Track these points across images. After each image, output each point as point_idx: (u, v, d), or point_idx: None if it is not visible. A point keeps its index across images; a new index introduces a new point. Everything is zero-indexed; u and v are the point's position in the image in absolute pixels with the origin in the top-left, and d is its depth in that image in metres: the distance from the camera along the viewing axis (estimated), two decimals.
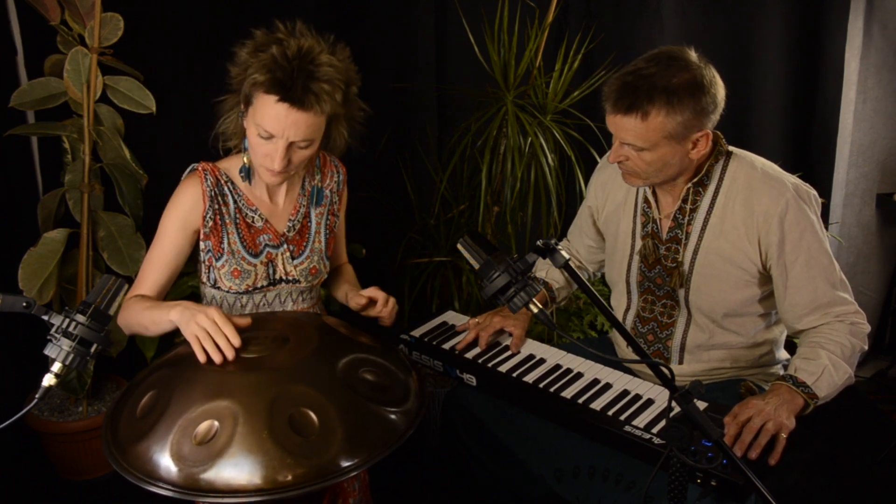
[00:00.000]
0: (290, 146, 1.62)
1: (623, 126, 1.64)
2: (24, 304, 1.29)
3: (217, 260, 1.76)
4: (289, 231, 1.82)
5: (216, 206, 1.74)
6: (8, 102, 2.27)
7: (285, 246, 1.81)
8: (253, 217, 1.78)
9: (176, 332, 2.39)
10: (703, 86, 1.60)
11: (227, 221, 1.75)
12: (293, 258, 1.82)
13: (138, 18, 2.37)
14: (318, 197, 1.86)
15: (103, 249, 2.38)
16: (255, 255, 1.78)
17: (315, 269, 1.85)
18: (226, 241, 1.75)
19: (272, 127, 1.58)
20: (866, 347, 1.71)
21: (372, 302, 1.77)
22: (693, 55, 1.64)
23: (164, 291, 1.76)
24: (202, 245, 1.75)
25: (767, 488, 1.24)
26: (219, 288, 1.79)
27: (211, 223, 1.73)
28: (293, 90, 1.55)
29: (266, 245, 1.80)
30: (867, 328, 1.71)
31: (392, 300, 1.76)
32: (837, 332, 1.68)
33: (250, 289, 1.79)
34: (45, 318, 1.31)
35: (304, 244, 1.84)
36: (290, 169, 1.66)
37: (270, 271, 1.80)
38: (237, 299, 1.82)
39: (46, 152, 2.50)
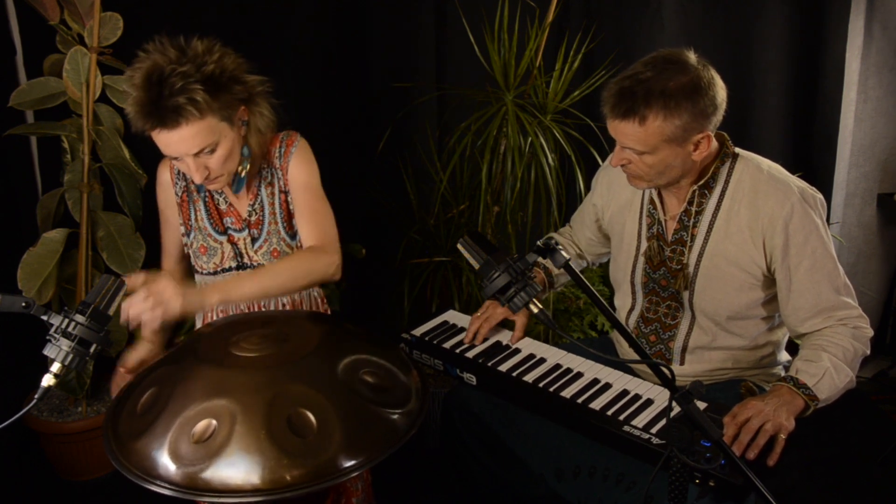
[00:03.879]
0: (198, 157, 1.63)
1: (622, 131, 1.63)
2: (24, 304, 1.29)
3: (188, 236, 1.84)
4: (250, 216, 1.84)
5: (183, 183, 1.84)
6: (7, 102, 2.27)
7: (247, 231, 1.84)
8: (219, 199, 1.85)
9: (176, 332, 2.40)
10: (700, 88, 1.59)
11: (196, 198, 1.83)
12: (254, 242, 1.84)
13: (138, 18, 2.37)
14: (238, 184, 1.80)
15: (102, 249, 2.38)
16: (221, 233, 1.84)
17: (277, 252, 1.84)
18: (193, 216, 1.83)
19: (167, 151, 1.64)
20: (868, 352, 1.71)
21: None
22: (692, 57, 1.63)
23: (182, 271, 1.91)
24: (179, 221, 1.85)
25: (767, 488, 1.23)
26: (198, 271, 1.86)
27: (179, 199, 1.83)
28: (154, 117, 1.57)
29: (229, 227, 1.85)
30: (870, 333, 1.70)
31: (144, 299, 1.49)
32: (840, 335, 1.67)
33: (218, 269, 1.83)
34: (45, 318, 1.31)
35: (261, 227, 1.84)
36: (215, 173, 1.68)
37: (237, 253, 1.84)
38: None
39: (46, 152, 2.50)
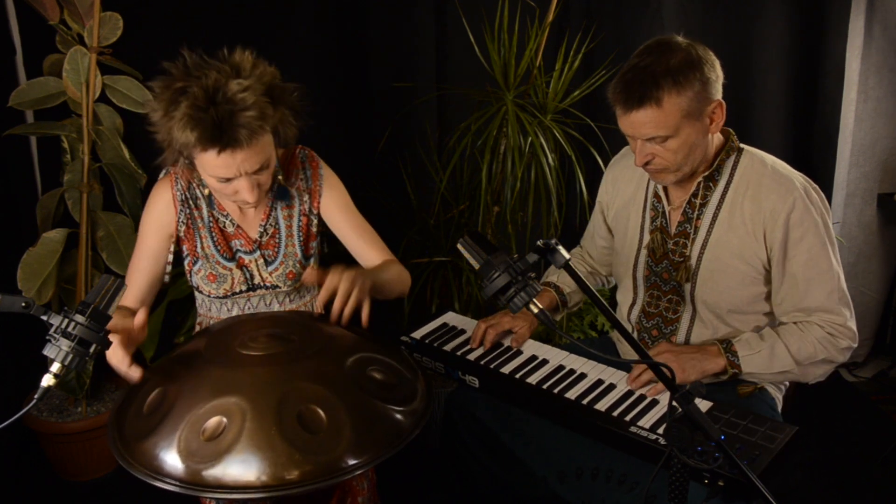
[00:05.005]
0: (253, 174, 1.58)
1: (641, 121, 1.64)
2: (23, 304, 1.28)
3: (194, 264, 1.76)
4: (261, 236, 1.79)
5: (188, 211, 1.74)
6: (7, 102, 2.26)
7: (258, 252, 1.79)
8: (224, 222, 1.77)
9: (175, 332, 2.39)
10: (699, 58, 1.64)
11: (200, 225, 1.75)
12: (267, 264, 1.79)
13: (137, 18, 2.37)
14: (282, 194, 1.78)
15: (102, 249, 2.38)
16: (230, 259, 1.77)
17: (292, 274, 1.80)
18: (199, 244, 1.75)
19: (226, 173, 1.55)
20: (840, 359, 1.72)
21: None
22: (679, 38, 1.68)
23: (146, 298, 1.76)
24: (182, 249, 1.76)
25: (769, 489, 1.23)
26: (205, 295, 1.80)
27: (184, 227, 1.74)
28: (225, 136, 1.48)
29: (238, 250, 1.78)
30: (846, 344, 1.70)
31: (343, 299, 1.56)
32: (807, 332, 1.70)
33: (228, 293, 1.78)
34: (44, 318, 1.30)
35: (277, 249, 1.80)
36: (265, 188, 1.64)
37: (248, 276, 1.78)
38: (223, 304, 1.81)
39: (45, 152, 2.49)
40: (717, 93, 1.67)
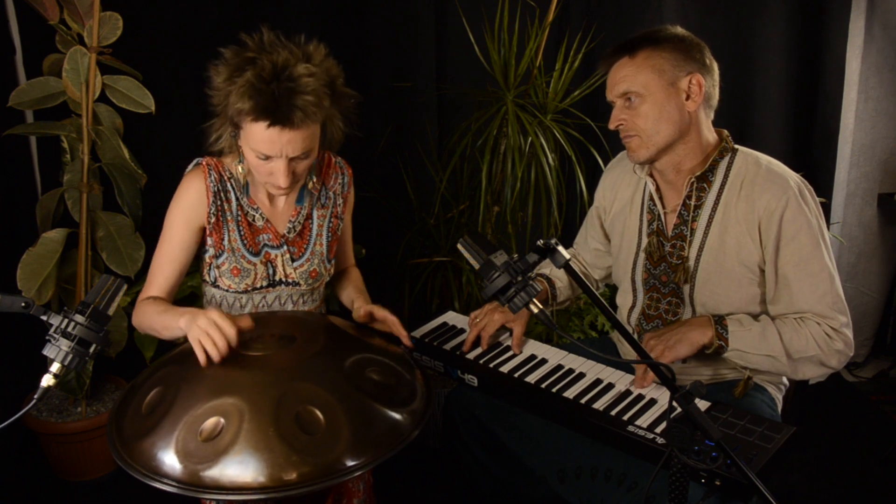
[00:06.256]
0: (291, 160, 1.61)
1: (615, 75, 1.73)
2: (23, 304, 1.29)
3: (218, 257, 1.76)
4: (289, 232, 1.81)
5: (219, 203, 1.74)
6: (6, 102, 2.26)
7: (285, 248, 1.81)
8: (254, 216, 1.79)
9: None
10: (688, 38, 1.72)
11: (229, 218, 1.76)
12: (293, 260, 1.82)
13: (137, 18, 2.37)
14: (301, 197, 1.83)
15: (102, 249, 2.38)
16: (255, 254, 1.78)
17: (315, 272, 1.84)
18: (227, 238, 1.75)
19: (268, 149, 1.58)
20: (833, 363, 1.69)
21: (373, 318, 1.80)
22: (682, 29, 1.75)
23: (174, 289, 1.78)
24: (207, 241, 1.76)
25: (769, 489, 1.23)
26: (219, 287, 1.79)
27: (213, 219, 1.74)
28: (279, 112, 1.52)
29: (265, 245, 1.79)
30: (840, 346, 1.68)
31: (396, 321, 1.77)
32: (803, 326, 1.69)
33: (249, 288, 1.78)
34: (44, 318, 1.30)
35: (305, 246, 1.83)
36: (299, 177, 1.68)
37: (270, 272, 1.80)
38: (237, 299, 1.81)
39: (45, 152, 2.49)
40: (699, 71, 1.70)
